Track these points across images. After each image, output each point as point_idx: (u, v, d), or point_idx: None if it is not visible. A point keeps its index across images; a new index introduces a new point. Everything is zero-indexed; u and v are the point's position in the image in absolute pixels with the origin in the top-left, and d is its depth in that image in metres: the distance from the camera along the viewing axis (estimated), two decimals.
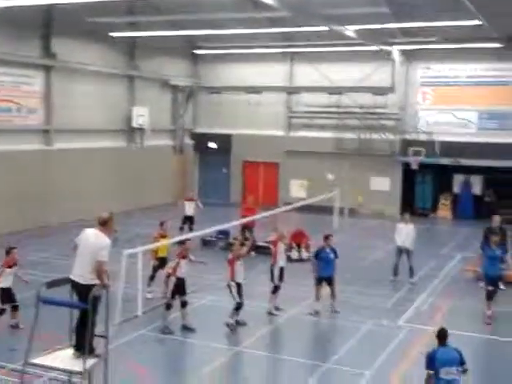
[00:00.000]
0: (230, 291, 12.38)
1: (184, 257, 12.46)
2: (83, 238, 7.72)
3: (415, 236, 16.52)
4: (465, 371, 8.06)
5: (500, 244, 14.10)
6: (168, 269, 12.44)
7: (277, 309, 13.60)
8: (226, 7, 21.61)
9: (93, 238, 7.61)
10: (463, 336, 11.55)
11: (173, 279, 12.19)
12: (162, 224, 15.07)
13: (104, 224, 7.69)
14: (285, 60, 29.35)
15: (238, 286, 12.38)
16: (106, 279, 7.55)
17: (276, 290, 13.60)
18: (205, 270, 14.52)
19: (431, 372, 7.91)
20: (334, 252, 13.83)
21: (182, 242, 13.15)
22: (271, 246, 14.14)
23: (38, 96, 22.83)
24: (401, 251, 16.45)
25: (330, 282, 13.76)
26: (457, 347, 8.25)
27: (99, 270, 7.39)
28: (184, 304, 12.39)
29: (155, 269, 14.21)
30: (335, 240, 14.61)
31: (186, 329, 12.33)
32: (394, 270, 16.47)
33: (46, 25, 22.52)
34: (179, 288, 12.24)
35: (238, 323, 12.45)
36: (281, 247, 13.92)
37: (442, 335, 8.26)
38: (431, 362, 7.98)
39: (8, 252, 12.31)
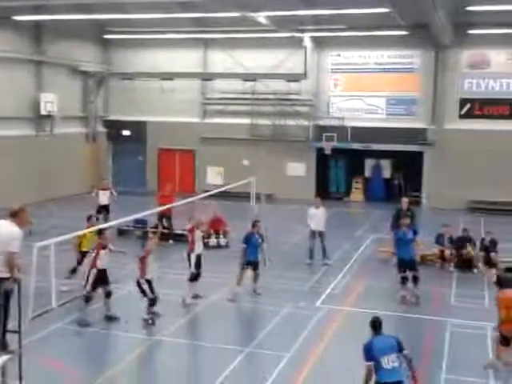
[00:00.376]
0: (141, 289, 12.15)
1: (104, 247, 12.20)
2: None
3: (325, 219, 17.09)
4: (406, 357, 7.75)
5: (410, 226, 14.68)
6: (88, 261, 12.14)
7: (196, 296, 13.56)
8: None
9: (3, 228, 7.32)
10: (377, 314, 11.97)
11: (94, 271, 11.94)
12: (88, 218, 14.72)
13: (15, 215, 7.44)
14: (198, 46, 29.13)
15: (149, 282, 12.20)
16: (17, 272, 7.29)
17: (194, 277, 13.54)
18: (124, 260, 14.25)
19: (370, 363, 7.62)
20: (262, 237, 14.26)
21: (99, 233, 12.82)
22: (188, 234, 14.08)
23: None
24: (314, 234, 17.04)
25: (255, 266, 14.03)
26: (396, 336, 7.97)
27: (10, 262, 7.12)
28: (108, 294, 12.19)
29: (79, 262, 13.83)
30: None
31: (110, 319, 12.10)
32: (310, 254, 16.97)
33: None
34: (101, 279, 12.02)
35: (155, 314, 12.29)
36: (198, 234, 13.90)
37: (375, 325, 8.04)
38: (369, 353, 7.67)
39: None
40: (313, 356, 10.73)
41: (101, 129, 30.65)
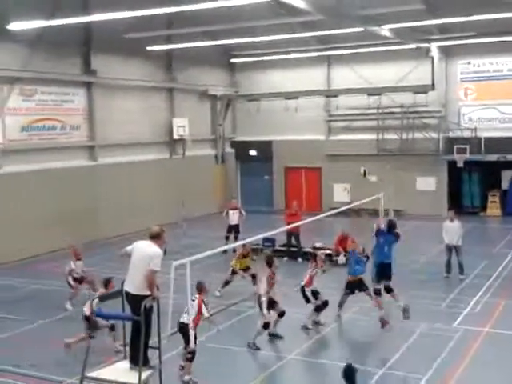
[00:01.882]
0: (260, 307, 12.00)
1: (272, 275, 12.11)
2: (135, 248, 7.80)
3: (462, 232, 16.54)
4: None
5: None
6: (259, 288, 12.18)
7: (318, 323, 13.04)
8: (260, 15, 21.62)
9: (145, 248, 7.69)
10: None
11: (265, 298, 11.85)
12: (244, 245, 15.37)
13: (155, 237, 7.78)
14: (322, 63, 29.20)
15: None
16: (156, 290, 7.59)
17: (320, 308, 12.94)
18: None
19: None
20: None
21: (269, 263, 12.45)
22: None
23: (80, 113, 23.26)
24: (450, 249, 16.49)
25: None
26: None
27: (150, 280, 7.42)
28: (282, 314, 12.16)
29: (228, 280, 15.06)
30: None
31: (275, 336, 12.21)
32: (447, 267, 16.52)
33: (85, 42, 22.96)
34: (271, 303, 11.91)
35: (275, 336, 12.16)
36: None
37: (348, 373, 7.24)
38: None
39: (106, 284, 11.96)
40: (451, 380, 10.20)
41: (229, 150, 31.54)
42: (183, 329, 10.16)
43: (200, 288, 10.78)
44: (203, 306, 10.62)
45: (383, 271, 13.14)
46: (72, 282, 14.54)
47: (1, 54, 19.87)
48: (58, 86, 22.16)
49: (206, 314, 10.58)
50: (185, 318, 10.19)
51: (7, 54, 20.11)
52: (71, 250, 14.97)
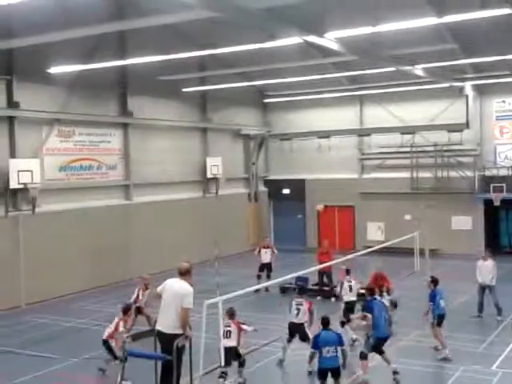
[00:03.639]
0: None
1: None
2: (167, 287, 7.82)
3: (496, 272, 16.22)
4: (343, 351, 10.38)
5: None
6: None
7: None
8: (293, 56, 21.93)
9: (177, 286, 7.70)
10: None
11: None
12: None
13: (185, 274, 7.79)
14: (354, 102, 29.33)
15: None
16: (189, 329, 7.58)
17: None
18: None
19: (314, 351, 10.59)
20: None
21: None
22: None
23: (116, 153, 23.73)
24: (483, 288, 16.22)
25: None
26: (339, 333, 10.68)
27: (184, 318, 7.41)
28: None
29: None
30: (417, 283, 14.20)
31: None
32: (479, 307, 16.23)
33: (121, 85, 23.53)
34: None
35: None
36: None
37: (325, 322, 10.64)
38: (315, 343, 10.52)
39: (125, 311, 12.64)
40: None
41: (262, 188, 31.67)
42: (232, 351, 11.48)
43: (232, 313, 11.90)
44: (241, 325, 11.81)
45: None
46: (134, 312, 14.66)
47: (41, 96, 20.49)
48: (95, 127, 22.68)
49: (249, 329, 11.92)
50: (228, 343, 11.41)
51: (47, 97, 20.72)
52: (141, 279, 15.31)
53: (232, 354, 11.49)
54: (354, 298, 15.02)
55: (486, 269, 16.20)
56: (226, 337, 11.50)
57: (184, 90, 25.29)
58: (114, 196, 23.62)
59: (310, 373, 10.52)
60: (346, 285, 15.24)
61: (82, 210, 21.70)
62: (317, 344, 10.46)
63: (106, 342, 12.00)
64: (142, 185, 24.50)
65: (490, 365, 12.65)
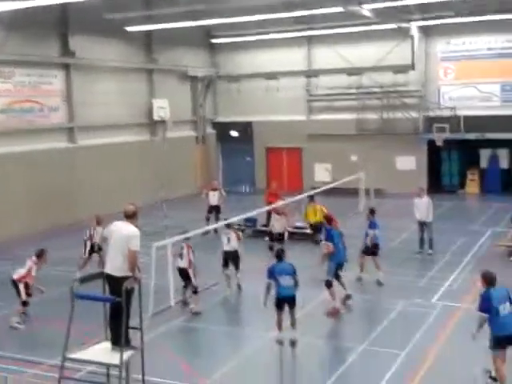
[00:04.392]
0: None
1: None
2: (113, 229, 7.78)
3: (432, 208, 16.84)
4: (296, 282, 10.81)
5: None
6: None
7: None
8: None
9: (123, 229, 7.66)
10: None
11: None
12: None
13: (131, 216, 7.74)
14: (302, 43, 29.12)
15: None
16: (138, 271, 7.61)
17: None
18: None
19: (269, 281, 10.76)
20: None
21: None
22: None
23: (59, 94, 23.03)
24: (421, 224, 16.88)
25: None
26: (292, 263, 11.02)
27: (132, 260, 7.42)
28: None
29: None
30: (361, 221, 14.70)
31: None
32: (420, 243, 16.92)
33: (63, 23, 22.66)
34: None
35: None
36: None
37: (278, 254, 11.09)
38: (270, 273, 10.75)
39: (39, 255, 12.67)
40: (430, 355, 10.42)
41: (210, 130, 31.46)
42: (183, 272, 12.77)
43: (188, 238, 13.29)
44: (191, 252, 12.82)
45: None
46: (87, 250, 15.03)
47: None
48: (35, 68, 21.90)
49: (192, 259, 12.82)
50: (181, 263, 12.78)
51: None
52: (94, 217, 15.36)
53: (183, 274, 12.82)
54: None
55: (422, 205, 16.77)
56: (179, 257, 12.91)
57: (128, 29, 24.50)
58: (57, 139, 23.06)
59: (265, 304, 10.91)
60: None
61: (24, 153, 21.15)
62: (273, 273, 10.72)
63: (14, 283, 12.26)
64: (87, 127, 23.96)
65: (430, 298, 13.26)
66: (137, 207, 7.82)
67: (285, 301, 10.74)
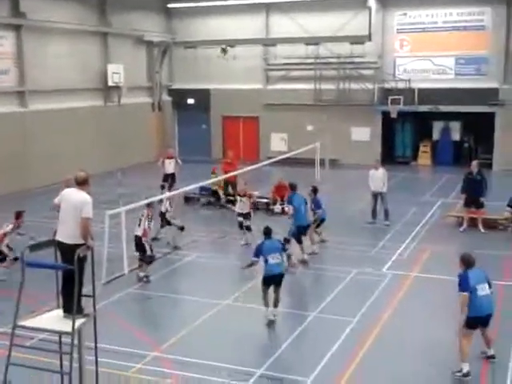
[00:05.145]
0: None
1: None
2: (65, 197, 7.63)
3: (387, 180, 17.16)
4: (288, 257, 11.82)
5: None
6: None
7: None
8: None
9: (74, 196, 7.53)
10: (444, 280, 11.82)
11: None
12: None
13: (83, 183, 7.61)
14: (260, 11, 28.86)
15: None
16: (91, 239, 7.53)
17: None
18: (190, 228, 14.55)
19: (255, 259, 10.75)
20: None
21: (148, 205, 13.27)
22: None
23: (9, 57, 22.30)
24: (375, 195, 17.15)
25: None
26: (280, 239, 11.45)
27: (85, 227, 7.31)
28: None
29: None
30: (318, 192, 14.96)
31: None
32: (372, 214, 17.22)
33: None
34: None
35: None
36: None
37: (267, 231, 10.91)
38: (258, 252, 10.63)
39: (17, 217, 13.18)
40: (380, 322, 10.71)
41: (166, 97, 31.06)
42: (138, 240, 12.57)
43: (149, 204, 13.04)
44: (147, 220, 12.68)
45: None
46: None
47: None
48: None
49: (148, 228, 12.64)
50: (137, 231, 12.58)
51: None
52: (64, 181, 14.42)
53: (138, 243, 12.64)
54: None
55: (378, 177, 17.07)
56: (137, 224, 12.71)
57: None
58: (7, 103, 22.39)
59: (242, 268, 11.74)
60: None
61: None
62: (261, 251, 10.60)
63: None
64: (39, 92, 23.33)
65: (381, 267, 13.57)
66: (88, 174, 7.69)
67: (273, 279, 10.59)
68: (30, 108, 23.02)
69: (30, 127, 22.82)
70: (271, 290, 10.68)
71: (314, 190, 15.01)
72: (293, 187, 14.37)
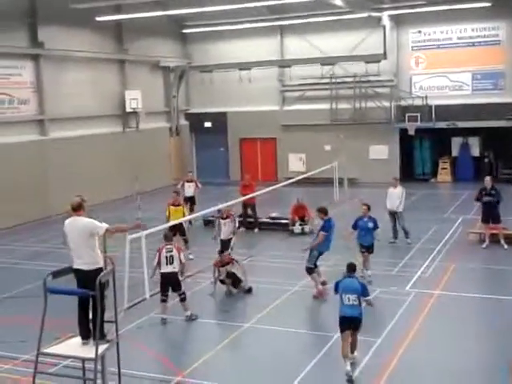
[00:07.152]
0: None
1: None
2: (67, 228, 7.76)
3: (403, 198, 16.95)
4: (369, 303, 9.85)
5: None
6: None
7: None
8: None
9: (75, 223, 7.65)
10: (468, 297, 11.64)
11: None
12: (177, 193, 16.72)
13: (78, 208, 7.75)
14: (274, 33, 29.07)
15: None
16: (111, 264, 7.57)
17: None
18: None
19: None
20: (374, 222, 14.11)
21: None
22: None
23: (28, 86, 22.66)
24: (392, 214, 17.01)
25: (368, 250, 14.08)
26: (363, 282, 10.26)
27: (112, 233, 7.48)
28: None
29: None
30: (336, 211, 14.74)
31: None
32: (393, 233, 17.05)
33: (31, 14, 22.28)
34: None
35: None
36: None
37: (351, 268, 9.76)
38: (335, 287, 9.72)
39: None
40: (405, 341, 10.54)
41: (183, 122, 31.28)
42: (173, 277, 11.87)
43: (169, 237, 12.39)
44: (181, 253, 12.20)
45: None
46: None
47: None
48: (4, 59, 21.51)
49: (183, 259, 12.18)
50: (169, 268, 11.82)
51: None
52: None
53: (172, 280, 11.92)
54: None
55: (394, 196, 16.91)
56: (170, 263, 11.89)
57: (98, 19, 24.18)
58: (27, 132, 22.71)
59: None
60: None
61: None
62: (336, 289, 9.74)
63: None
64: (58, 120, 23.65)
65: (404, 285, 13.41)
66: (82, 199, 7.81)
67: (346, 321, 9.48)
68: (49, 136, 23.33)
69: (50, 155, 23.09)
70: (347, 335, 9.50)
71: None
72: (325, 212, 13.24)
